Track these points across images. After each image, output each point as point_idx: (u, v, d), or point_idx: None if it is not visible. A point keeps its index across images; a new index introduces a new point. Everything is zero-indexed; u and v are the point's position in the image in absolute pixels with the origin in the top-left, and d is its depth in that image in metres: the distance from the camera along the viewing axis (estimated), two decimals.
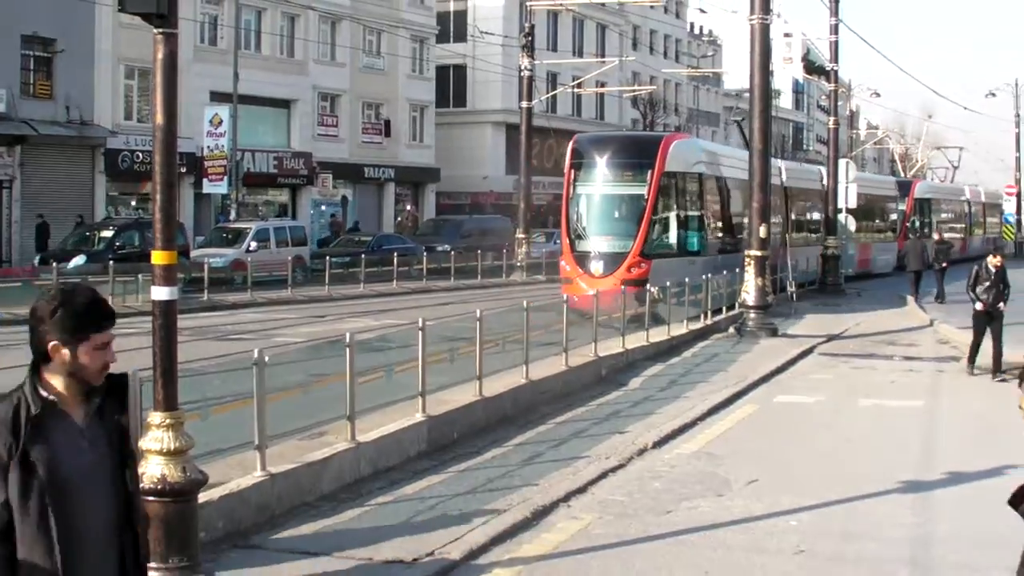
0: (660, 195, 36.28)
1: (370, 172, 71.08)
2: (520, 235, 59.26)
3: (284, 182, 64.47)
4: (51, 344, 4.89)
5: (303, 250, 51.10)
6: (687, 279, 30.57)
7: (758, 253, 31.75)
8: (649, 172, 36.10)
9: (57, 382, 4.94)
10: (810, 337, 31.18)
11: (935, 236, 50.83)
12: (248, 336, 29.39)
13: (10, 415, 4.86)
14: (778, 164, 46.29)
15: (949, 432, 18.40)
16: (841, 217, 49.40)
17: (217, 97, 56.11)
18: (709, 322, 32.34)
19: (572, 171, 37.29)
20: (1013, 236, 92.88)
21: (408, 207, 75.34)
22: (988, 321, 24.39)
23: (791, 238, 45.87)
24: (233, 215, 53.97)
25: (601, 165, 36.88)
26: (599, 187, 36.92)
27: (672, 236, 36.78)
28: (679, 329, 29.54)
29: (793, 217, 49.51)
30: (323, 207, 67.74)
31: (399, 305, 39.86)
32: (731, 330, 31.92)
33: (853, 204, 49.87)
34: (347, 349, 14.10)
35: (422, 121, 76.46)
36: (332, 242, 61.23)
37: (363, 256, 50.23)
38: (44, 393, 4.90)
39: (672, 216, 36.89)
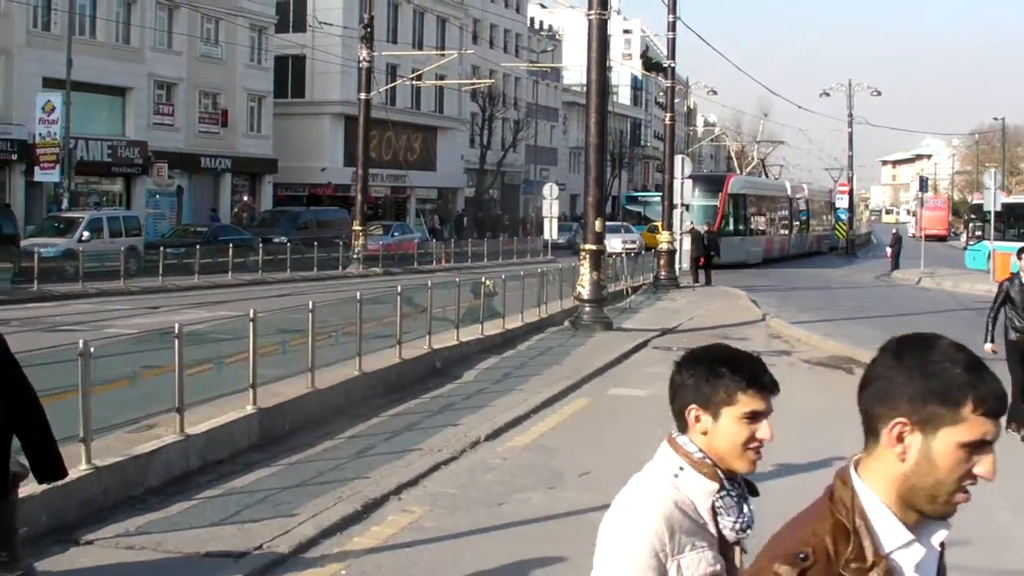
0: (725, 205, 67.20)
1: (206, 162, 70.13)
2: (357, 227, 58.96)
3: (118, 171, 63.20)
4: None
5: (137, 240, 50.25)
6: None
7: (593, 247, 31.84)
8: (719, 193, 67.19)
9: None
10: (645, 331, 31.48)
11: (703, 228, 55.13)
12: (79, 327, 28.88)
13: None
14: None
15: (778, 425, 18.59)
16: (676, 213, 49.96)
17: (50, 83, 54.75)
18: (545, 315, 32.52)
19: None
20: (845, 234, 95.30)
21: (245, 198, 74.52)
22: (1020, 358, 17.25)
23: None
24: (65, 204, 52.92)
25: (697, 188, 59.26)
26: (696, 200, 59.44)
27: (731, 227, 67.33)
28: (515, 322, 29.66)
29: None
30: (158, 196, 66.70)
31: (234, 297, 39.43)
32: (566, 323, 32.06)
33: (688, 200, 50.40)
34: (176, 340, 13.94)
35: (260, 111, 75.67)
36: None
37: (198, 247, 49.52)
38: None
39: (730, 217, 67.79)
